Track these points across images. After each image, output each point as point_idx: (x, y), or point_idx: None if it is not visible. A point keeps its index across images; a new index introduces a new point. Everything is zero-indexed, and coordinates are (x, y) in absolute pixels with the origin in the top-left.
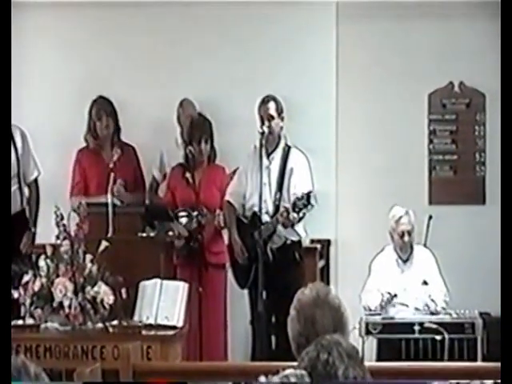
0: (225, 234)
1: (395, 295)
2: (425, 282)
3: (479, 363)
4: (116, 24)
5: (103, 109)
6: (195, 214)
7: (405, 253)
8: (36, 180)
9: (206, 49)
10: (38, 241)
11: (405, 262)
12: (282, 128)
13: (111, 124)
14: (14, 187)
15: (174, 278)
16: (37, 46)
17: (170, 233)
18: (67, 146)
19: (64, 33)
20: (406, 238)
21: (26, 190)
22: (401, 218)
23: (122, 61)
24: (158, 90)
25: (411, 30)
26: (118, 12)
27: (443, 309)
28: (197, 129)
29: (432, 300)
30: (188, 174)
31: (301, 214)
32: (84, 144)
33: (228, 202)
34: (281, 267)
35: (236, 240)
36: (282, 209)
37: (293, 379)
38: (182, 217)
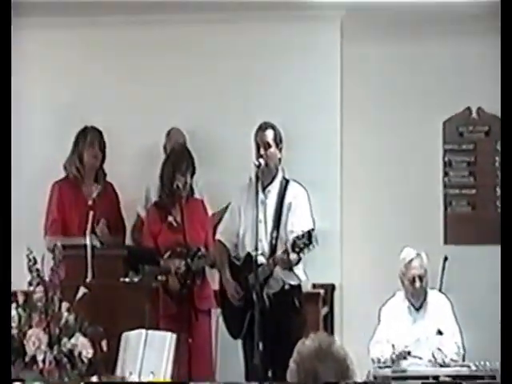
0: (210, 275)
1: (409, 352)
2: (439, 332)
3: None
4: (101, 46)
5: (95, 138)
6: (192, 253)
7: (417, 299)
8: None
9: (198, 73)
10: None
11: (418, 309)
12: (279, 160)
13: (99, 155)
14: None
15: (160, 327)
16: (18, 70)
17: (159, 277)
18: (43, 178)
19: (47, 58)
20: (418, 284)
21: None
22: (411, 261)
23: (106, 86)
24: (145, 117)
25: (424, 50)
26: (104, 34)
27: (453, 361)
28: (177, 160)
29: (439, 349)
30: (170, 218)
31: (301, 255)
32: (62, 175)
33: (219, 241)
34: (278, 315)
35: (229, 280)
36: (279, 249)
37: None
38: (175, 257)
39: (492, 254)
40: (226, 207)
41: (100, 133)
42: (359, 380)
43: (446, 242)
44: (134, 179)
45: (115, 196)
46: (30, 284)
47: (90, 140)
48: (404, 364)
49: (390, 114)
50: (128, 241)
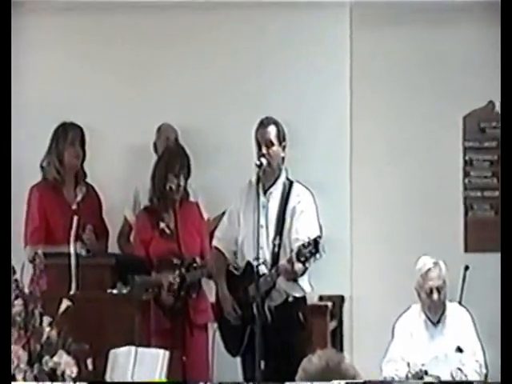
0: (207, 286)
1: (426, 371)
2: (459, 349)
3: None
4: (82, 38)
5: (77, 136)
6: (187, 264)
7: (435, 313)
8: None
9: (193, 65)
10: None
11: (435, 324)
12: (283, 159)
13: (81, 154)
14: None
15: (151, 344)
16: None
17: (151, 289)
18: (19, 181)
19: (26, 53)
20: (436, 296)
21: None
22: (429, 271)
23: (90, 79)
24: (133, 112)
25: (441, 38)
26: (87, 25)
27: (475, 381)
28: (171, 160)
29: (459, 369)
30: (162, 224)
31: (307, 265)
32: (39, 178)
33: (216, 248)
34: (281, 330)
35: (226, 295)
36: (283, 258)
37: None
38: (169, 268)
39: None
40: (223, 213)
41: (81, 129)
42: None
43: (466, 250)
44: (120, 181)
45: (98, 199)
46: None
47: (70, 138)
48: None
49: (403, 110)
50: (112, 248)
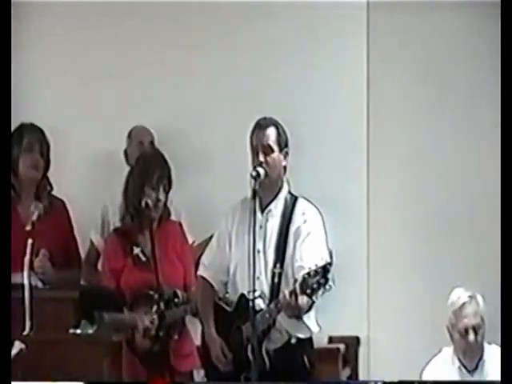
0: (192, 325)
1: None
2: None
3: None
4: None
5: (35, 141)
6: (167, 298)
7: (471, 358)
8: None
9: (173, 56)
10: None
11: (472, 371)
12: (284, 169)
13: (41, 163)
14: None
15: None
16: None
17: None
18: None
19: None
20: (472, 337)
21: None
22: (463, 306)
23: (48, 77)
24: (104, 116)
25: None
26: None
27: None
28: (147, 169)
29: None
30: (137, 249)
31: (314, 299)
32: None
33: (203, 278)
34: (282, 378)
35: (214, 336)
36: (284, 290)
37: None
38: (144, 304)
39: None
40: (212, 234)
41: (41, 132)
42: None
43: None
44: (86, 196)
45: (66, 217)
46: None
47: (26, 143)
48: None
49: (430, 109)
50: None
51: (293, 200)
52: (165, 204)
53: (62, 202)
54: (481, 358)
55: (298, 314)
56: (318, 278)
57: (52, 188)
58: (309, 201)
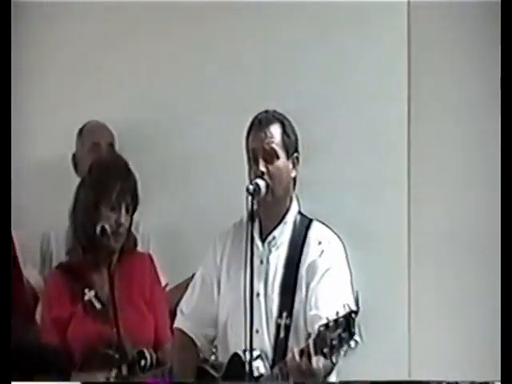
0: None
1: None
2: None
3: None
4: None
5: None
6: (130, 360)
7: None
8: None
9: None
10: None
11: None
12: (294, 181)
13: None
14: None
15: None
16: None
17: None
18: None
19: None
20: None
21: None
22: None
23: None
24: (47, 110)
25: None
26: None
27: None
28: (104, 181)
29: None
30: (90, 293)
31: (334, 359)
32: None
33: (181, 332)
34: None
35: None
36: (293, 348)
37: None
38: (100, 366)
39: None
40: (194, 274)
41: None
42: None
43: None
44: (19, 218)
45: None
46: None
47: None
48: None
49: (480, 107)
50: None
51: (305, 224)
52: (128, 230)
53: None
54: None
55: (311, 380)
56: (339, 331)
57: None
58: (326, 225)
